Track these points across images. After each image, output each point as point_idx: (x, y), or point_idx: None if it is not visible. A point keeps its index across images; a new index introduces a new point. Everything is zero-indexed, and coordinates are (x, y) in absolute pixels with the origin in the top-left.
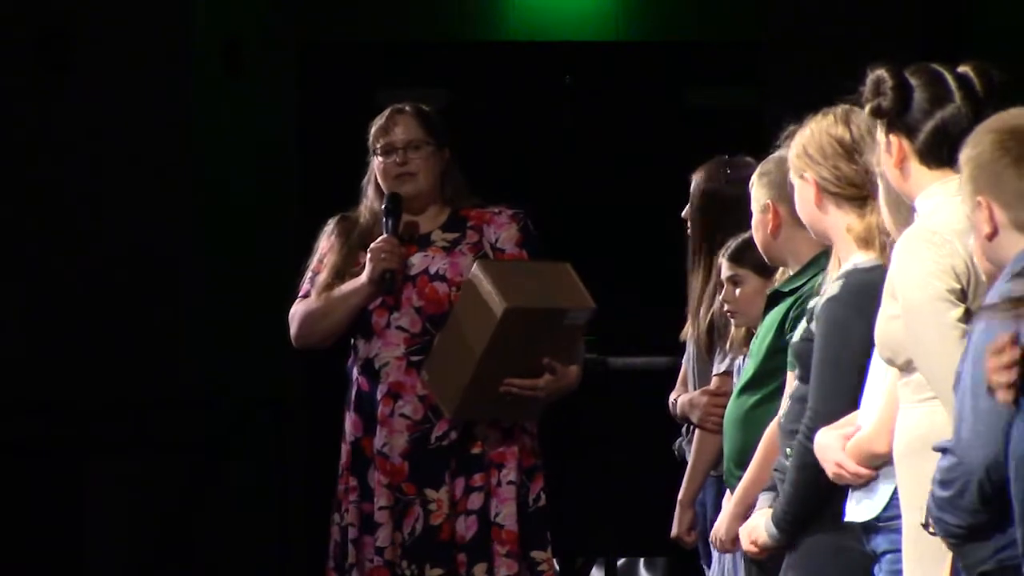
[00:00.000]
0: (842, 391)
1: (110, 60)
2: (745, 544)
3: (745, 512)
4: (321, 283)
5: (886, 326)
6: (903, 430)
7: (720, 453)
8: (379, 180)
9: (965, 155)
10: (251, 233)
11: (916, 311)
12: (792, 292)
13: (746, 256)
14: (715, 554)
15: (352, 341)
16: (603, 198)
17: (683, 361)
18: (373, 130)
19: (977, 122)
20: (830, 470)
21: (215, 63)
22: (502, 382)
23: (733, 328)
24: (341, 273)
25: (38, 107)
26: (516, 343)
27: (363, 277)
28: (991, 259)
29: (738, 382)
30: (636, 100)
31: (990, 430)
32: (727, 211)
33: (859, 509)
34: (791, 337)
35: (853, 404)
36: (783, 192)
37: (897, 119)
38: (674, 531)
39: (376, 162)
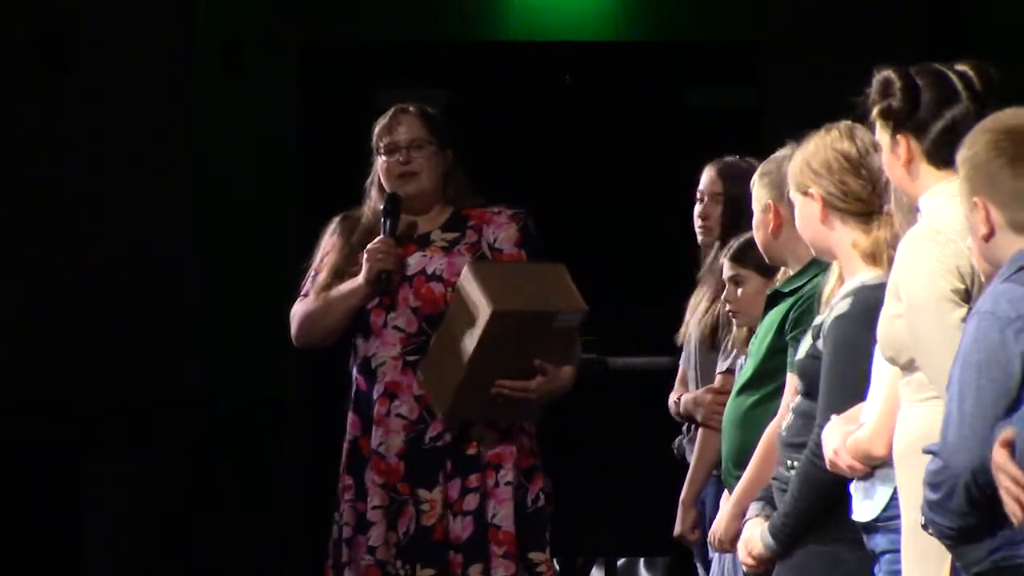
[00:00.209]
0: (850, 407)
1: (110, 60)
2: (742, 556)
3: (743, 512)
4: (320, 283)
5: (889, 325)
6: (904, 429)
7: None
8: (382, 179)
9: (962, 155)
10: (251, 233)
11: (920, 310)
12: (792, 292)
13: (748, 256)
14: (715, 554)
15: (353, 340)
16: (603, 198)
17: (680, 361)
18: (376, 129)
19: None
20: (827, 457)
21: (215, 63)
22: (494, 383)
23: (735, 328)
24: (340, 273)
25: (38, 107)
26: (506, 345)
27: (360, 278)
28: (988, 259)
29: (737, 382)
30: (636, 100)
31: (976, 434)
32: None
33: (860, 509)
34: (791, 337)
35: None
36: (784, 192)
37: (906, 119)
38: (677, 530)
39: (379, 161)
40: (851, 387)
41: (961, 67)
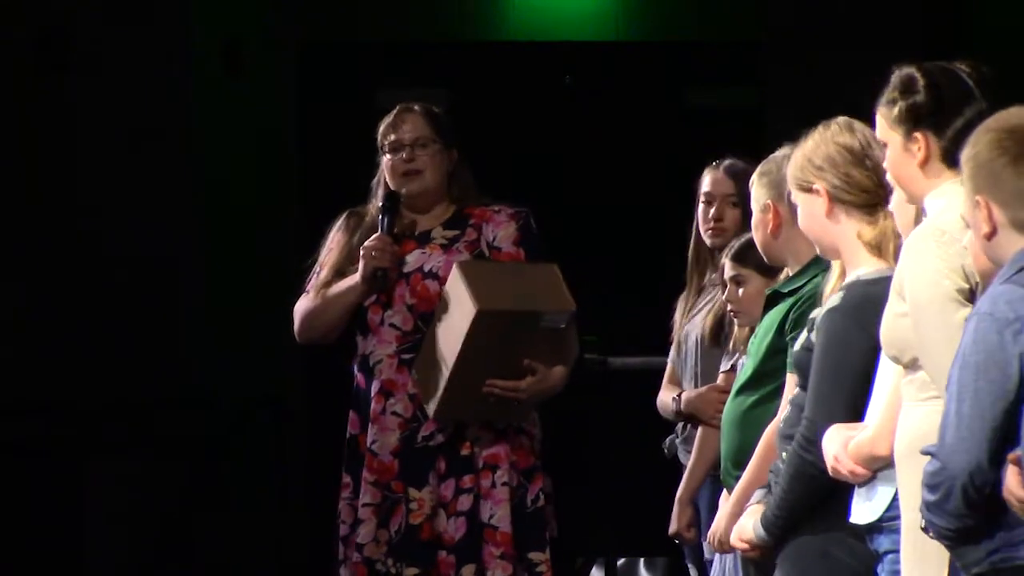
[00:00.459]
0: (839, 401)
1: (110, 60)
2: (734, 540)
3: (743, 512)
4: (321, 280)
5: (893, 323)
6: (905, 429)
7: None
8: (386, 177)
9: (965, 154)
10: (251, 233)
11: (924, 310)
12: (792, 293)
13: (749, 256)
14: (716, 554)
15: (353, 338)
16: (603, 198)
17: (670, 360)
18: (381, 128)
19: None
20: (829, 464)
21: (215, 63)
22: (484, 383)
23: (736, 328)
24: (342, 270)
25: (38, 107)
26: (493, 344)
27: (356, 275)
28: (991, 258)
29: (736, 382)
30: (636, 100)
31: (974, 435)
32: None
33: (862, 510)
34: (791, 338)
35: (850, 414)
36: (783, 192)
37: (929, 116)
38: (672, 527)
39: (384, 160)
40: (839, 379)
41: (964, 67)
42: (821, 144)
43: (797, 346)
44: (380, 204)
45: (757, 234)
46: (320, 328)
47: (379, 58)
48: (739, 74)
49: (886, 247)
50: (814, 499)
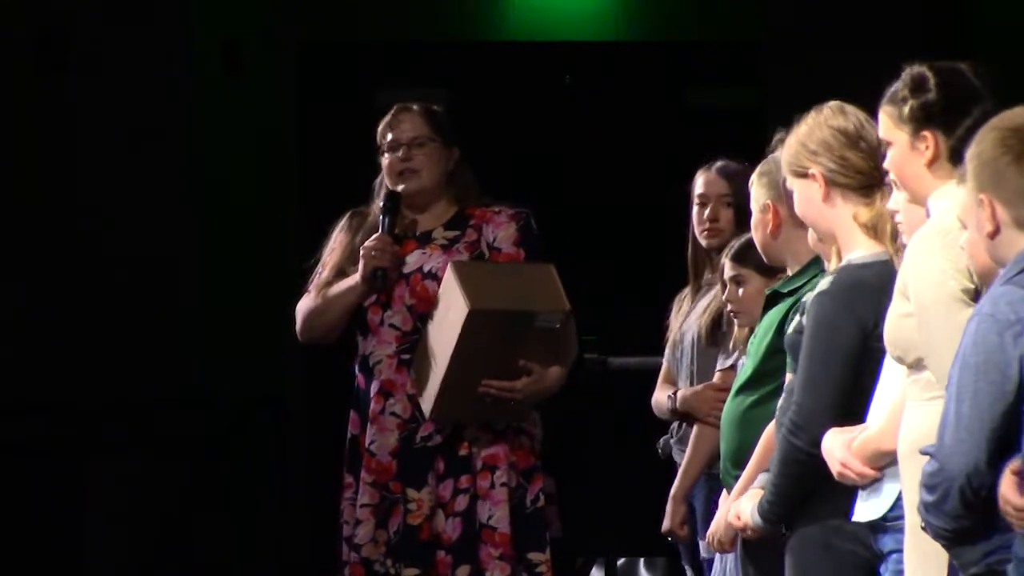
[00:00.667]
0: (828, 386)
1: (110, 60)
2: (731, 517)
3: None
4: (322, 280)
5: (897, 324)
6: (908, 429)
7: (718, 450)
8: (385, 177)
9: (969, 153)
10: (251, 233)
11: (929, 310)
12: (791, 293)
13: (749, 256)
14: (716, 554)
15: (355, 338)
16: (603, 198)
17: (664, 359)
18: (380, 127)
19: None
20: (834, 469)
21: (215, 63)
22: (480, 383)
23: (736, 328)
24: (343, 270)
25: (38, 107)
26: (487, 345)
27: (356, 275)
28: (994, 257)
29: (736, 382)
30: (636, 100)
31: (972, 436)
32: None
33: (865, 509)
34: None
35: (839, 397)
36: (782, 192)
37: (939, 116)
38: (666, 525)
39: (383, 159)
40: (828, 363)
41: (966, 67)
42: (815, 128)
43: (790, 329)
44: (381, 204)
45: (757, 234)
46: (320, 328)
47: (379, 58)
48: (739, 74)
49: (882, 228)
50: (806, 484)
